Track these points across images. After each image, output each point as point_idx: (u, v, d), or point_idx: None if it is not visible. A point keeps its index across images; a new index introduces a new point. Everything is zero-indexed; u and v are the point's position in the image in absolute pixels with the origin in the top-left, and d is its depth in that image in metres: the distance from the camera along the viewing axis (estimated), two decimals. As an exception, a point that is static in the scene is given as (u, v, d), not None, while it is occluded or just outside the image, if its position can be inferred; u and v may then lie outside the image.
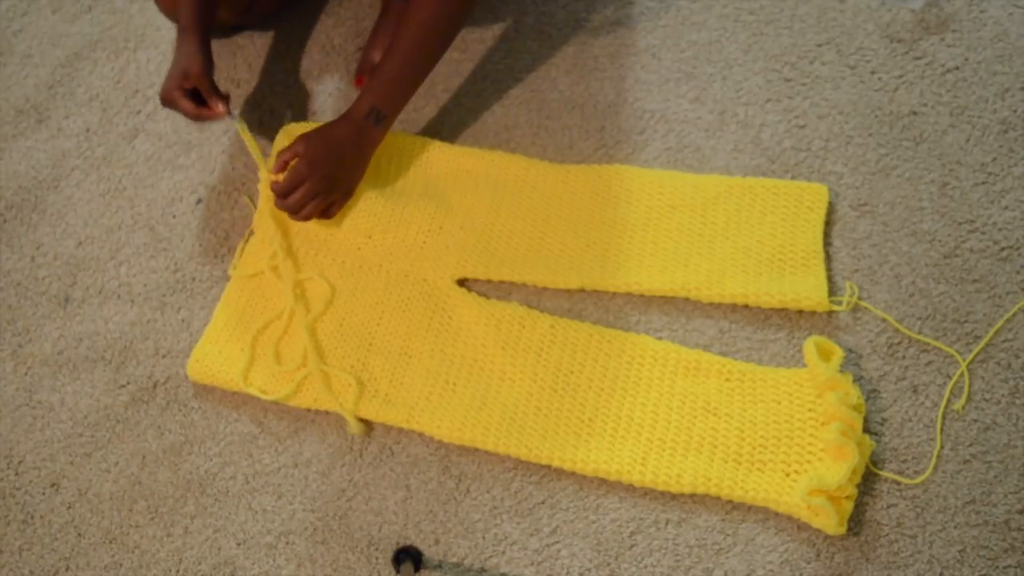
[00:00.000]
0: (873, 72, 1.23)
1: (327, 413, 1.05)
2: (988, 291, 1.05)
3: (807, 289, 1.05)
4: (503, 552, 0.96)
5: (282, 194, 1.09)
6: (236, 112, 1.09)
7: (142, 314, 1.15)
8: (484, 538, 0.97)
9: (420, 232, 1.14)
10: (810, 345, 0.98)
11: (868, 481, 0.95)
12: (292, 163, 1.10)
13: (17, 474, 1.07)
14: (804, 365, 1.00)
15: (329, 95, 1.30)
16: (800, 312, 1.06)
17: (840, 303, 1.06)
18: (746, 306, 1.07)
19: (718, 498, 0.96)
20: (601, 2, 1.33)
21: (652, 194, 1.15)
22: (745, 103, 1.22)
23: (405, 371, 1.05)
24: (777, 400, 0.99)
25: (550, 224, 1.14)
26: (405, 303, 1.10)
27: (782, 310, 1.06)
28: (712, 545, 0.94)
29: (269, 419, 1.06)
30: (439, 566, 0.96)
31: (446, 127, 1.25)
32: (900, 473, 0.96)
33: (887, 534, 0.93)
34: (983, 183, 1.13)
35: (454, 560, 0.96)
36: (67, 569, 1.01)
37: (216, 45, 1.34)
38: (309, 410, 1.05)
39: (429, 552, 0.97)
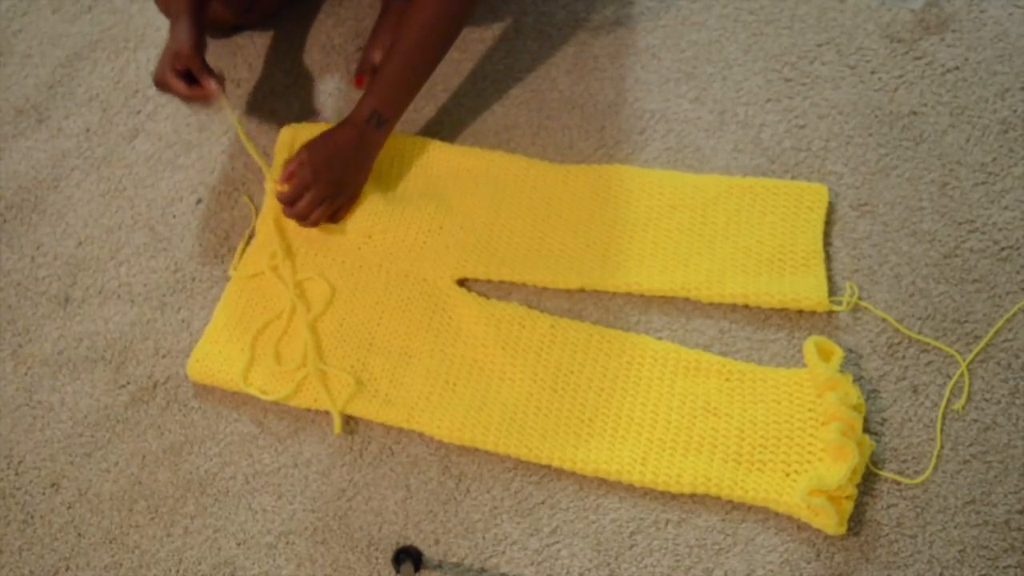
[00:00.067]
0: (873, 72, 1.23)
1: (327, 413, 1.05)
2: (988, 291, 1.05)
3: (807, 289, 1.05)
4: (503, 552, 0.96)
5: (288, 202, 1.10)
6: (232, 110, 1.08)
7: (142, 314, 1.15)
8: (484, 538, 0.97)
9: (420, 232, 1.14)
10: (810, 345, 0.98)
11: (868, 481, 0.95)
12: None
13: (17, 474, 1.07)
14: (804, 365, 1.00)
15: (329, 95, 1.30)
16: (800, 312, 1.06)
17: (840, 303, 1.06)
18: (746, 306, 1.07)
19: (718, 498, 0.96)
20: (601, 2, 1.33)
21: (652, 194, 1.15)
22: (745, 103, 1.22)
23: (405, 371, 1.05)
24: (777, 400, 0.99)
25: (550, 224, 1.15)
26: (405, 303, 1.10)
27: (782, 310, 1.06)
28: (712, 545, 0.94)
29: (269, 419, 1.06)
30: (439, 566, 0.96)
31: (446, 127, 1.25)
32: (900, 473, 0.96)
33: (887, 534, 0.93)
34: (983, 183, 1.13)
35: (454, 560, 0.96)
36: (67, 569, 1.01)
37: (216, 45, 1.35)
38: (309, 410, 1.05)
39: (429, 552, 0.97)
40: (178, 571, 0.99)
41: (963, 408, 0.99)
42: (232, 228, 1.20)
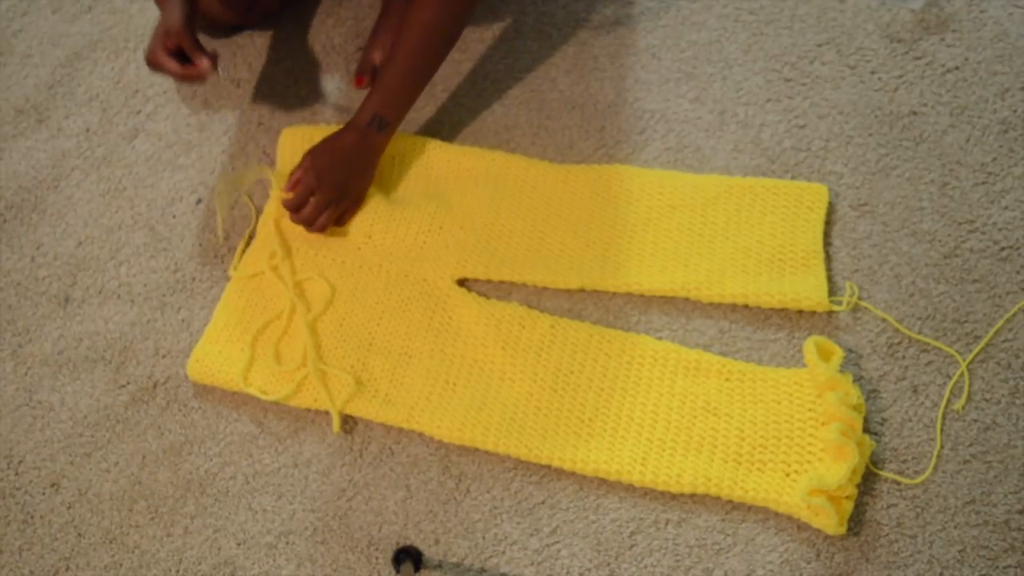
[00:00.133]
0: (873, 72, 1.23)
1: (327, 413, 1.05)
2: (988, 291, 1.05)
3: (807, 289, 1.05)
4: (503, 552, 0.96)
5: (294, 208, 1.10)
6: (224, 74, 1.07)
7: (142, 314, 1.15)
8: (484, 538, 0.97)
9: (420, 232, 1.14)
10: (810, 345, 0.98)
11: (868, 481, 0.95)
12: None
13: (17, 474, 1.07)
14: (804, 365, 1.00)
15: (329, 95, 1.30)
16: (800, 312, 1.06)
17: (840, 303, 1.06)
18: (746, 306, 1.07)
19: (718, 498, 0.96)
20: (601, 2, 1.33)
21: (652, 194, 1.15)
22: (745, 103, 1.22)
23: (405, 371, 1.05)
24: (777, 400, 0.99)
25: (550, 224, 1.15)
26: (405, 303, 1.10)
27: (782, 310, 1.06)
28: (712, 545, 0.94)
29: (269, 419, 1.06)
30: (439, 566, 0.96)
31: (446, 127, 1.25)
32: (900, 473, 0.96)
33: (887, 534, 0.93)
34: (983, 183, 1.13)
35: (454, 560, 0.96)
36: (67, 569, 1.01)
37: (216, 45, 1.34)
38: (309, 410, 1.05)
39: (429, 552, 0.97)
40: (178, 571, 0.99)
41: (963, 408, 0.99)
42: (232, 228, 1.20)
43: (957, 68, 1.22)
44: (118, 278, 1.18)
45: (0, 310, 1.18)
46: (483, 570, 0.96)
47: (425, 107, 1.26)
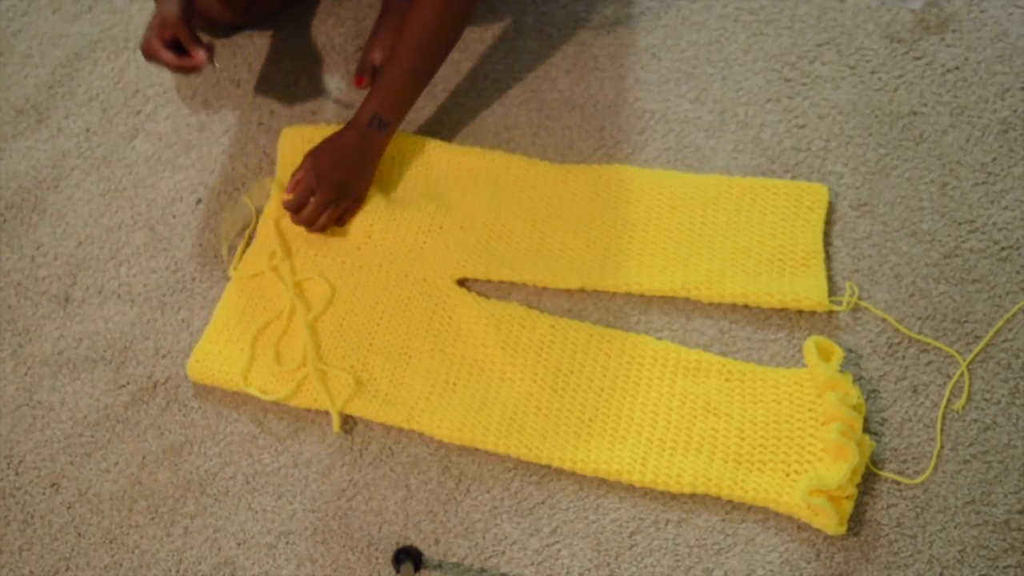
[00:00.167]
0: (873, 72, 1.23)
1: (327, 413, 1.05)
2: (988, 291, 1.05)
3: (807, 289, 1.05)
4: (503, 552, 0.96)
5: (294, 209, 1.10)
6: (219, 65, 1.07)
7: (142, 314, 1.15)
8: (484, 538, 0.97)
9: (420, 232, 1.14)
10: (810, 345, 0.98)
11: (868, 481, 0.95)
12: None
13: (17, 474, 1.07)
14: (804, 365, 1.00)
15: (329, 95, 1.30)
16: (800, 312, 1.06)
17: (840, 303, 1.06)
18: (746, 306, 1.07)
19: (718, 498, 0.96)
20: (601, 2, 1.33)
21: (652, 194, 1.15)
22: (745, 103, 1.22)
23: (405, 371, 1.05)
24: (777, 400, 0.99)
25: (550, 224, 1.15)
26: (405, 303, 1.10)
27: (782, 310, 1.06)
28: (712, 545, 0.94)
29: (269, 419, 1.06)
30: (439, 566, 0.96)
31: (446, 127, 1.25)
32: (900, 473, 0.96)
33: (887, 534, 0.93)
34: (983, 183, 1.13)
35: (454, 560, 0.96)
36: (67, 569, 1.01)
37: (216, 45, 1.34)
38: (309, 410, 1.05)
39: (429, 552, 0.97)
40: (178, 571, 0.99)
41: (963, 408, 0.99)
42: (232, 228, 1.20)
43: (957, 68, 1.22)
44: (118, 278, 1.18)
45: (0, 310, 1.18)
46: (483, 570, 0.96)
47: (425, 107, 1.26)
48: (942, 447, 0.97)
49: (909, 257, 1.09)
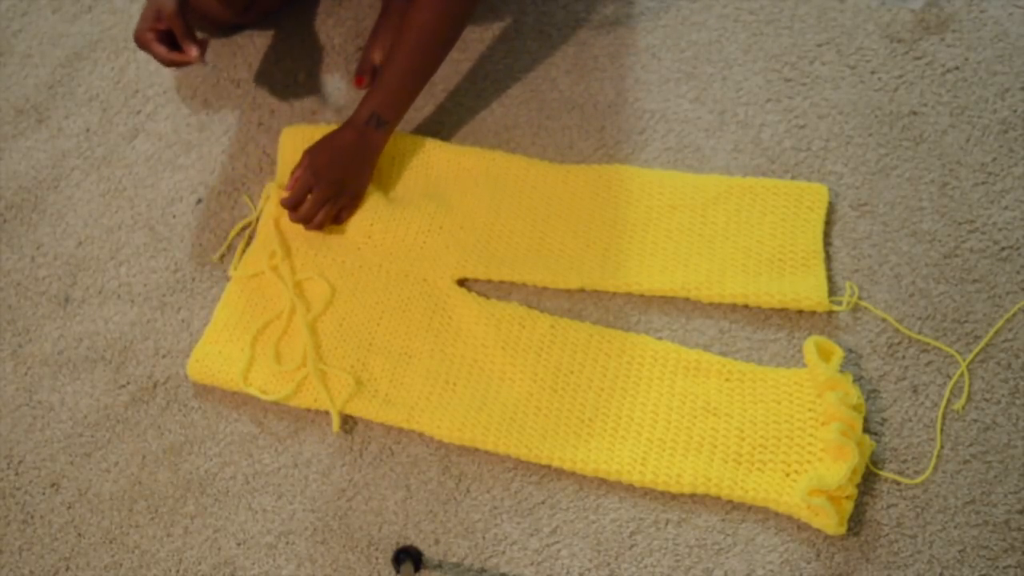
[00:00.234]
0: (873, 72, 1.23)
1: (327, 413, 1.05)
2: (988, 291, 1.05)
3: (807, 289, 1.05)
4: (503, 552, 0.96)
5: (292, 206, 1.10)
6: (211, 62, 1.06)
7: (142, 314, 1.15)
8: (484, 538, 0.97)
9: (420, 232, 1.14)
10: (810, 345, 0.98)
11: (868, 481, 0.95)
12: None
13: (17, 474, 1.07)
14: (804, 365, 1.00)
15: (329, 95, 1.30)
16: (800, 312, 1.06)
17: (840, 303, 1.06)
18: (746, 306, 1.07)
19: (718, 498, 0.96)
20: (601, 2, 1.33)
21: (652, 194, 1.15)
22: (745, 103, 1.22)
23: (405, 371, 1.05)
24: (777, 400, 0.99)
25: (550, 224, 1.15)
26: (405, 303, 1.10)
27: (782, 310, 1.06)
28: (712, 545, 0.94)
29: (269, 419, 1.06)
30: (439, 566, 0.96)
31: (446, 127, 1.25)
32: (900, 473, 0.96)
33: (887, 534, 0.93)
34: (983, 183, 1.13)
35: (454, 560, 0.96)
36: (67, 569, 1.01)
37: (216, 45, 1.35)
38: (309, 410, 1.05)
39: (429, 552, 0.97)
40: (178, 571, 0.99)
41: (963, 408, 0.99)
42: (232, 228, 1.20)
43: (957, 68, 1.22)
44: (118, 278, 1.18)
45: (0, 310, 1.18)
46: (483, 570, 0.96)
47: (425, 107, 1.26)
48: (942, 447, 0.97)
49: (909, 257, 1.09)
